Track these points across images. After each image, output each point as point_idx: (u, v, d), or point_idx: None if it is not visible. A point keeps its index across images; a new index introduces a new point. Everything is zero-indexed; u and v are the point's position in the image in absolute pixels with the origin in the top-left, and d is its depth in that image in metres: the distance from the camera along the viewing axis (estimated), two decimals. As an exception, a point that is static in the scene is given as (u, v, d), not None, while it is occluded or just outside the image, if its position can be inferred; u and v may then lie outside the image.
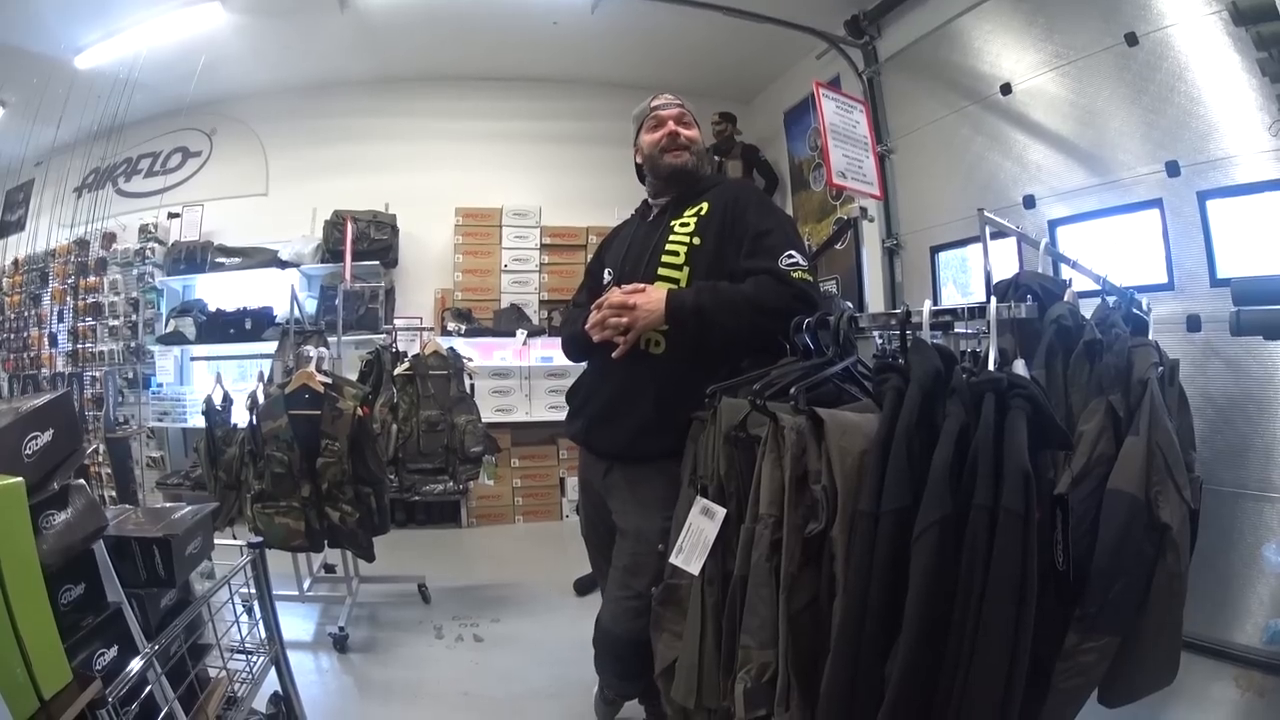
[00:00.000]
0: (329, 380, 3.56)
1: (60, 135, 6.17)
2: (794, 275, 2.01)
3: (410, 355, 4.50)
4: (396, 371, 4.35)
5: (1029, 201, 4.06)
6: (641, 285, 2.07)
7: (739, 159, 6.18)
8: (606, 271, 2.35)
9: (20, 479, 1.12)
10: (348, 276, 5.40)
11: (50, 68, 5.63)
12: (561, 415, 2.53)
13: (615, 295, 2.04)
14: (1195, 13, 3.23)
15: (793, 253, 2.05)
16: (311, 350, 3.64)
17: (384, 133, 6.52)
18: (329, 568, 4.35)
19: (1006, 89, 4.22)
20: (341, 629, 3.56)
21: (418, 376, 4.33)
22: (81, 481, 1.37)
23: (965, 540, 1.29)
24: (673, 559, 1.56)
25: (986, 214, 2.52)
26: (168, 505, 1.79)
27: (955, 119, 4.57)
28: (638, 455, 2.13)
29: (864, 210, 2.82)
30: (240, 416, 3.86)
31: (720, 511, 1.48)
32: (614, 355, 2.06)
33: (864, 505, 1.33)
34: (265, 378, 4.00)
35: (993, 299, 1.72)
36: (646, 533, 2.02)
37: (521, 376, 6.21)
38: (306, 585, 4.07)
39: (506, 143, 6.67)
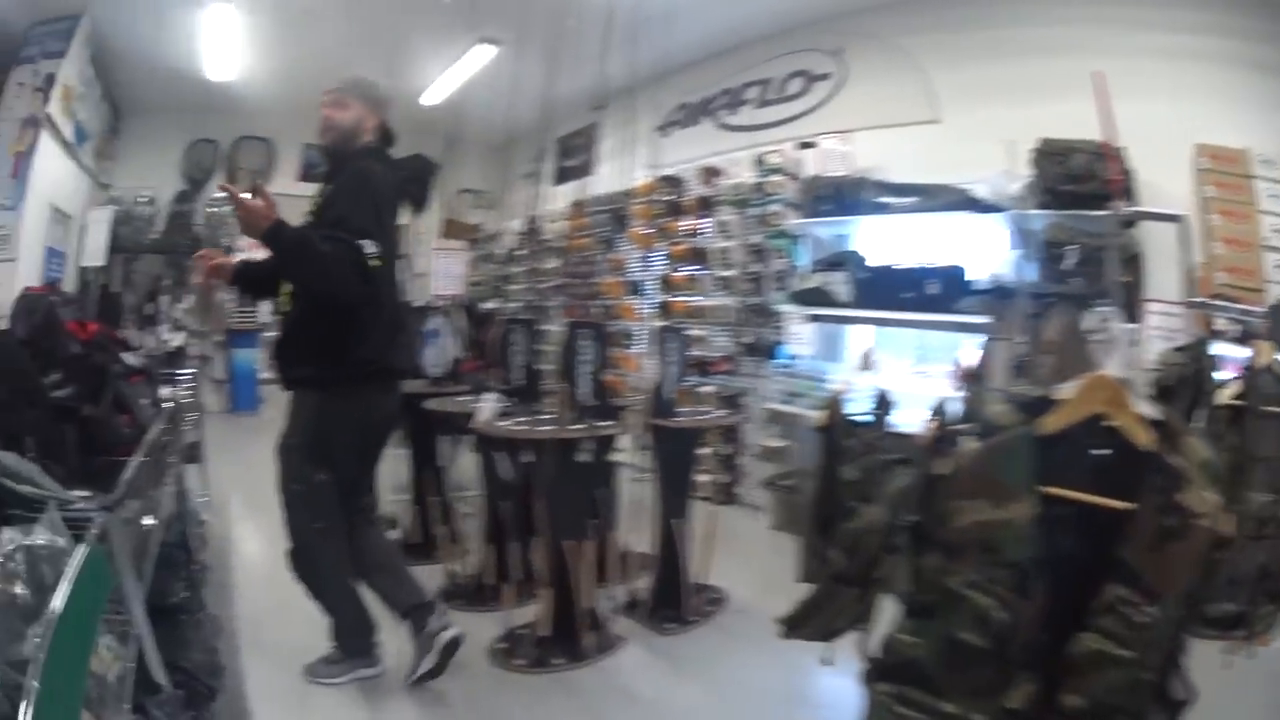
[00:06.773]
0: (1159, 418, 1.29)
1: (602, 75, 6.05)
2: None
3: (1243, 368, 2.19)
4: (1218, 400, 2.10)
5: None
6: None
7: None
8: None
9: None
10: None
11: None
12: None
13: None
14: None
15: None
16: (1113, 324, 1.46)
17: (1088, 45, 4.41)
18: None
19: None
20: None
21: (1249, 413, 2.00)
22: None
23: None
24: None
25: None
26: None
27: None
28: None
29: None
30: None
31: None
32: None
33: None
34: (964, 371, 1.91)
35: None
36: None
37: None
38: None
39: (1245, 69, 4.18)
